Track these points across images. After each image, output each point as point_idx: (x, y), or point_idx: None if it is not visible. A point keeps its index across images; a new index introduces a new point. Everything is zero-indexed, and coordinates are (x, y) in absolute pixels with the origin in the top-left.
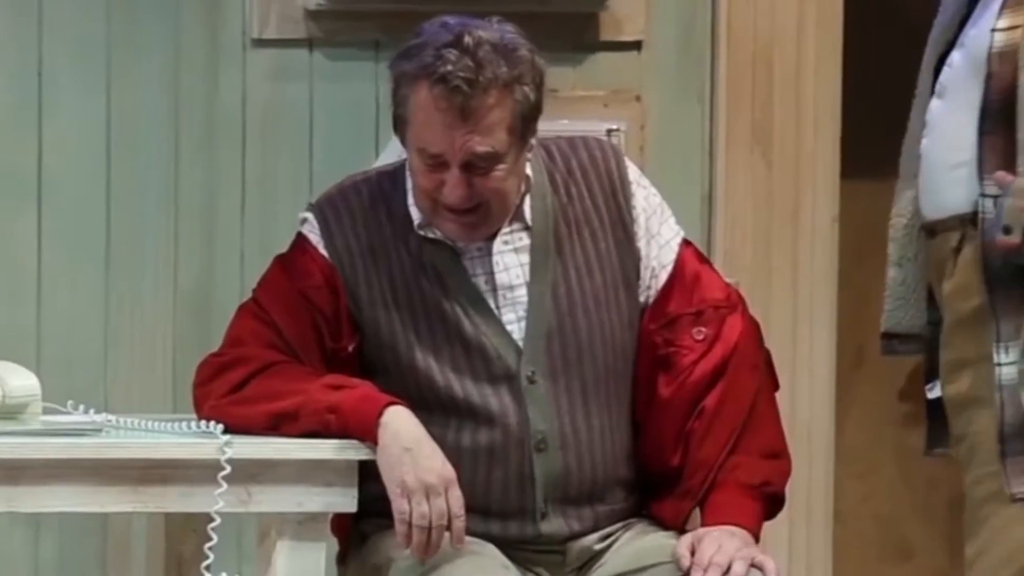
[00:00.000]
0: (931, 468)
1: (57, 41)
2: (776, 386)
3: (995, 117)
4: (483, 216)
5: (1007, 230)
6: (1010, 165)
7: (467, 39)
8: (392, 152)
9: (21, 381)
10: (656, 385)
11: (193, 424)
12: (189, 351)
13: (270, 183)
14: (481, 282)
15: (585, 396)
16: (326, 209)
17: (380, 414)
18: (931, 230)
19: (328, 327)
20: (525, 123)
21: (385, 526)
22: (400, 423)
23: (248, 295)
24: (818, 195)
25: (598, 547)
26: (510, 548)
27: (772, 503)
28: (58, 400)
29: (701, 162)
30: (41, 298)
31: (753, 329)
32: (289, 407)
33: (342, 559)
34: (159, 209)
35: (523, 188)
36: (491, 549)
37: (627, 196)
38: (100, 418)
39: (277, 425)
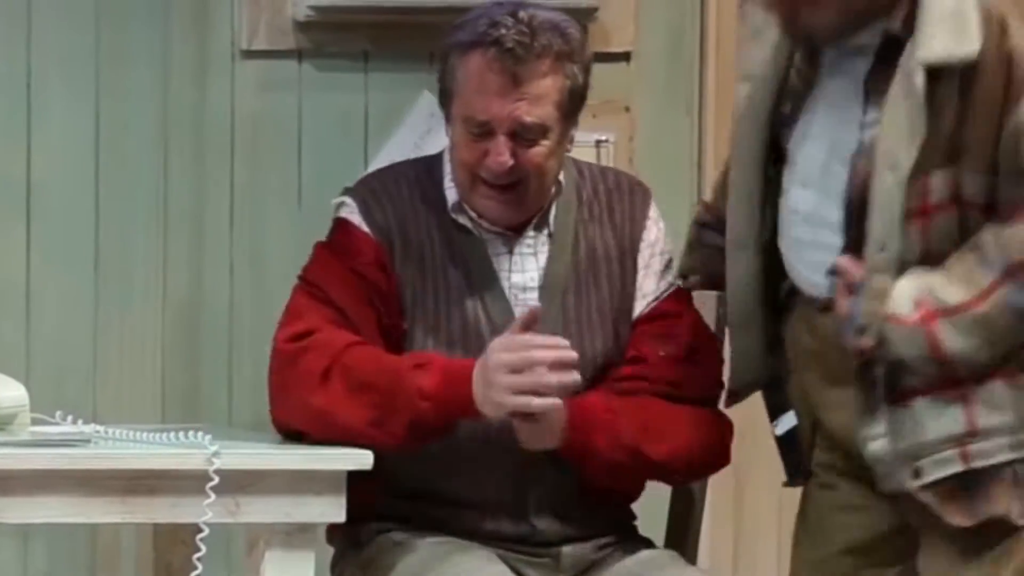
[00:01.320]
0: None
1: (46, 52)
2: (726, 459)
3: (859, 233)
4: (520, 194)
5: (861, 331)
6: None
7: (522, 13)
8: (382, 162)
9: (9, 392)
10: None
11: (181, 434)
12: (178, 361)
13: (259, 194)
14: (501, 278)
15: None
16: (364, 192)
17: (469, 389)
18: (794, 291)
19: (384, 304)
20: (572, 103)
21: (381, 531)
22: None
23: (237, 305)
24: None
25: (594, 556)
26: (502, 548)
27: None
28: (47, 411)
29: (690, 173)
30: (30, 308)
31: (713, 378)
32: (382, 402)
33: (335, 565)
34: (148, 220)
35: (555, 189)
36: (486, 552)
37: (641, 228)
38: (89, 429)
39: (381, 422)
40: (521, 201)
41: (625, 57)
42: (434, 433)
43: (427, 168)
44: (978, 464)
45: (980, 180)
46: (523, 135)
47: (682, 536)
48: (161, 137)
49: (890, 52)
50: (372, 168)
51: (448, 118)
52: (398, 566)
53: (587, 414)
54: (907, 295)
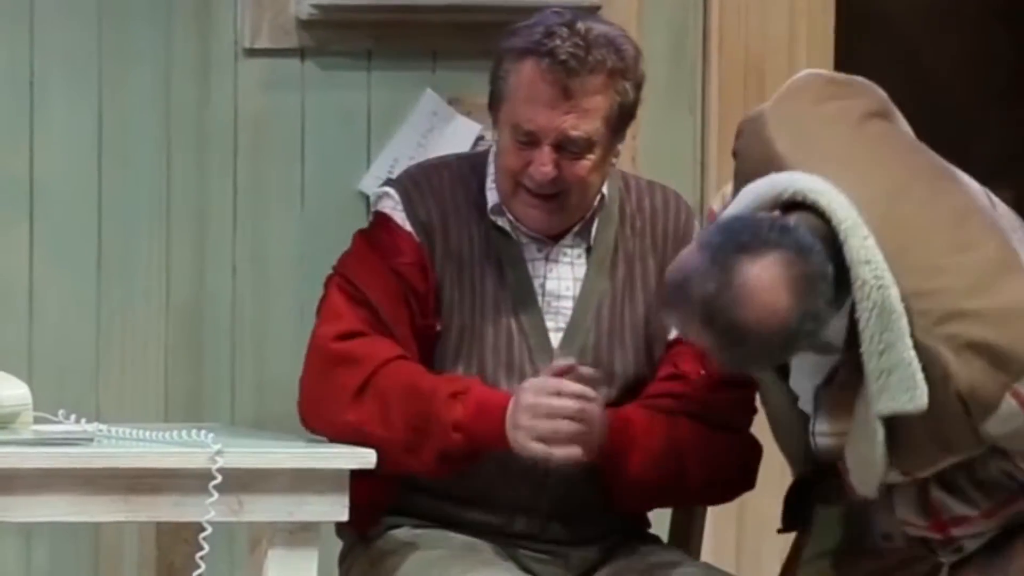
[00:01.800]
0: None
1: (48, 50)
2: (752, 484)
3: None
4: (561, 204)
5: (887, 537)
6: None
7: (580, 24)
8: (385, 161)
9: (12, 390)
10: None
11: (184, 433)
12: (181, 360)
13: (262, 193)
14: (535, 284)
15: (604, 406)
16: (408, 185)
17: (501, 425)
18: None
19: (419, 304)
20: (621, 119)
21: (392, 526)
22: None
23: (239, 305)
24: None
25: (603, 555)
26: (511, 544)
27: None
28: (49, 409)
29: (693, 173)
30: (33, 307)
31: (746, 405)
32: (416, 428)
33: (344, 559)
34: (151, 219)
35: (598, 201)
36: (495, 550)
37: (684, 246)
38: (91, 427)
39: (412, 448)
40: (562, 211)
41: None
42: (462, 462)
43: (472, 166)
44: None
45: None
46: (568, 147)
47: (686, 533)
48: (164, 136)
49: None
50: (374, 167)
51: (495, 121)
52: (408, 562)
53: (626, 433)
54: None
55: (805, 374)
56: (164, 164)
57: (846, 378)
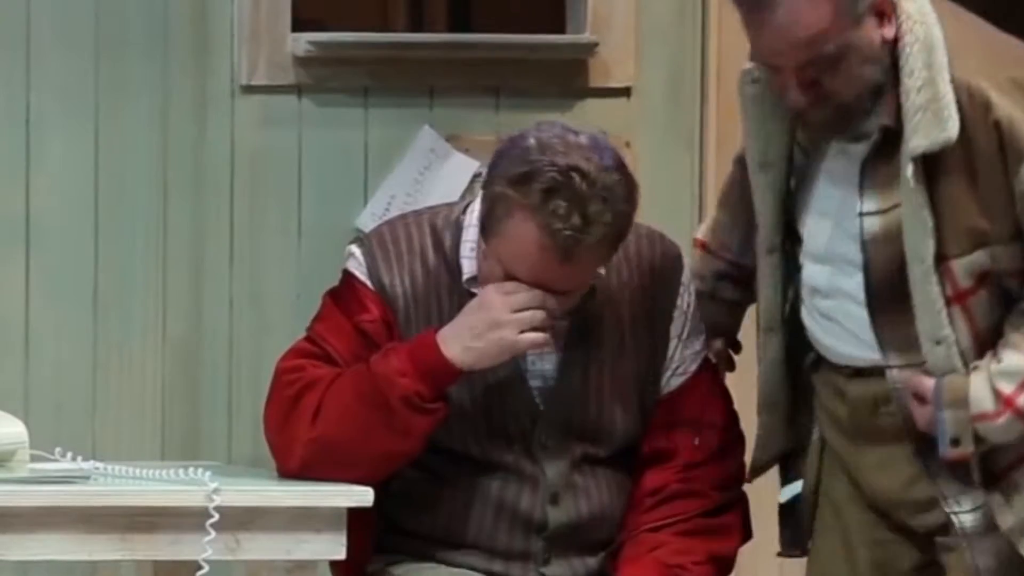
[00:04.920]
0: None
1: (45, 87)
2: (748, 535)
3: (884, 304)
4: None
5: (956, 442)
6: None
7: (577, 180)
8: (382, 198)
9: (8, 428)
10: (645, 471)
11: (181, 471)
12: (178, 398)
13: (259, 229)
14: None
15: (595, 462)
16: (373, 245)
17: (438, 349)
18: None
19: None
20: (613, 253)
21: (390, 563)
22: (446, 338)
23: (236, 341)
24: None
25: None
26: None
27: None
28: (46, 447)
29: (691, 209)
30: (29, 344)
31: (741, 466)
32: (373, 403)
33: None
34: (147, 256)
35: None
36: None
37: (674, 296)
38: (88, 465)
39: (385, 424)
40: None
41: (625, 92)
42: (434, 405)
43: (444, 224)
44: None
45: (1010, 250)
46: (558, 292)
47: None
48: (161, 172)
49: (888, 143)
50: (371, 203)
51: (483, 234)
52: None
53: None
54: (984, 390)
55: (837, 180)
56: (161, 201)
57: (888, 150)
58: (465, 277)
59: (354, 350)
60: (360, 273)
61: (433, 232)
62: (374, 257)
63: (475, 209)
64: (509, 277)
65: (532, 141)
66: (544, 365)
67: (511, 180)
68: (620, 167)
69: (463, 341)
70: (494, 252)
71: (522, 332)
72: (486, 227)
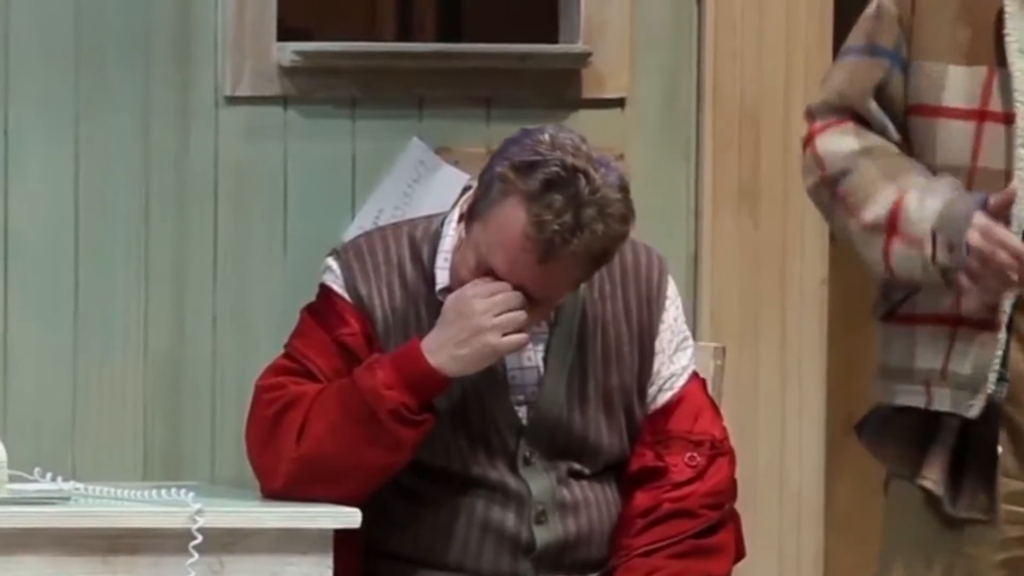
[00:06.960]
0: None
1: (24, 99)
2: (742, 554)
3: None
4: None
5: None
6: None
7: (581, 182)
8: (370, 211)
9: None
10: (634, 490)
11: (163, 491)
12: (160, 416)
13: (243, 244)
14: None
15: (581, 478)
16: (349, 258)
17: (424, 359)
18: None
19: None
20: (595, 269)
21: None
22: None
23: (220, 359)
24: (806, 256)
25: None
26: None
27: None
28: (24, 467)
29: (686, 222)
30: (7, 362)
31: (733, 483)
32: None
33: None
34: (129, 271)
35: None
36: None
37: (659, 309)
38: (68, 486)
39: (374, 438)
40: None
41: (620, 103)
42: (421, 416)
43: (423, 235)
44: None
45: None
46: (531, 296)
47: None
48: (142, 186)
49: None
50: (359, 217)
51: (467, 225)
52: None
53: None
54: None
55: None
56: (143, 215)
57: None
58: (438, 288)
59: (335, 365)
60: (337, 286)
61: (411, 244)
62: (351, 269)
63: (453, 219)
64: (480, 270)
65: (546, 136)
66: (527, 379)
67: (515, 165)
68: (624, 190)
69: (448, 350)
70: (474, 239)
71: (504, 335)
72: (474, 212)
